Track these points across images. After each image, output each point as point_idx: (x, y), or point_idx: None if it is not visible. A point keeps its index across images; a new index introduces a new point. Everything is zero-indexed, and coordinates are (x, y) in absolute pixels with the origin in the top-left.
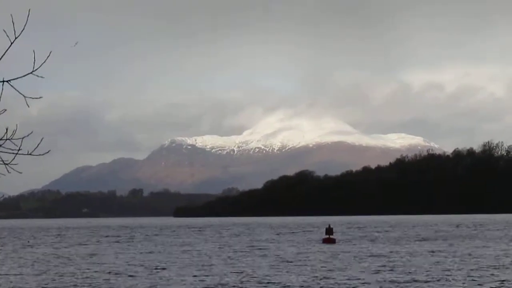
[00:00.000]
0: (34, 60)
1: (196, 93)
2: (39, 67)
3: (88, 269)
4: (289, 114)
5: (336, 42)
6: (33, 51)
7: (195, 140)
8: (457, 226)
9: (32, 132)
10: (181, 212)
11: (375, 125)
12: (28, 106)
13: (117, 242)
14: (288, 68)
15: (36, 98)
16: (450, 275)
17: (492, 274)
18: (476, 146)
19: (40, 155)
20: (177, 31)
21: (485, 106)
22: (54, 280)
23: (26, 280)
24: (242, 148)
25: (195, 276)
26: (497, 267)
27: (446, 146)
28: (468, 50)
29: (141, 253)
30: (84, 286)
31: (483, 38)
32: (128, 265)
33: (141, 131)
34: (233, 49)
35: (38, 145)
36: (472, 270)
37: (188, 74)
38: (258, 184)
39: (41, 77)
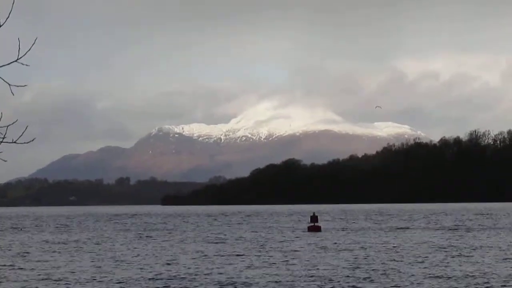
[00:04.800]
0: (19, 48)
1: (187, 82)
2: (24, 55)
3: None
4: (278, 103)
5: (329, 31)
6: (18, 39)
7: (182, 129)
8: (446, 214)
9: (17, 121)
10: (168, 200)
11: (367, 114)
12: (13, 94)
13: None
14: (279, 57)
15: (21, 86)
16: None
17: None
18: (464, 135)
19: (24, 143)
20: (169, 20)
21: (479, 95)
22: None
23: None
24: (229, 136)
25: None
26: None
27: (435, 134)
28: (463, 39)
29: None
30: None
31: (479, 28)
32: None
33: (131, 120)
34: (225, 38)
35: (23, 133)
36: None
37: (180, 63)
38: (245, 173)
39: (26, 65)
